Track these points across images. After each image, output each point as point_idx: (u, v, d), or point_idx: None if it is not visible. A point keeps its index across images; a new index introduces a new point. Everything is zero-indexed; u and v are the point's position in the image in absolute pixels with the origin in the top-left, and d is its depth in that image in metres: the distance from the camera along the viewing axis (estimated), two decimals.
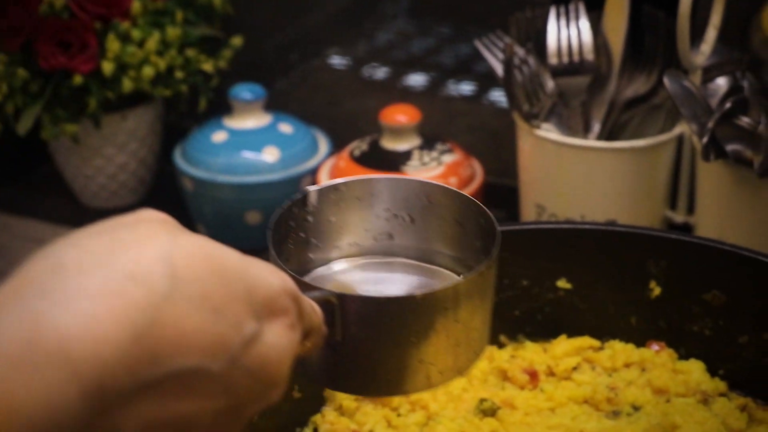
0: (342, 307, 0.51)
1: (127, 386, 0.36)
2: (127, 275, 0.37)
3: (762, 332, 0.76)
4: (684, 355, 0.79)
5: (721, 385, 0.77)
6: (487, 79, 1.23)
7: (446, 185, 0.59)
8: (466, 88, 1.39)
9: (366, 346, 0.52)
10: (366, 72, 1.43)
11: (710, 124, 0.84)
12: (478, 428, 0.74)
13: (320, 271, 0.59)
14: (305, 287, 0.50)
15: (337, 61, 1.47)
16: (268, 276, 0.43)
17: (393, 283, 0.59)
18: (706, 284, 0.77)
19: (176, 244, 0.39)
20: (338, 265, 0.59)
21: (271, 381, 0.42)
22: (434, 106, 1.33)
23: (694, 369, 0.77)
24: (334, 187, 0.58)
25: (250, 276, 0.42)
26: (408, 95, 1.30)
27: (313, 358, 0.53)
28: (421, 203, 0.59)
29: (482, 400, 0.76)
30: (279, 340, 0.42)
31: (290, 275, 0.50)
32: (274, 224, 0.55)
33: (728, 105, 0.83)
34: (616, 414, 0.75)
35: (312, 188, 0.58)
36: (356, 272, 0.59)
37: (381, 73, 1.43)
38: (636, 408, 0.75)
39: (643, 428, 0.72)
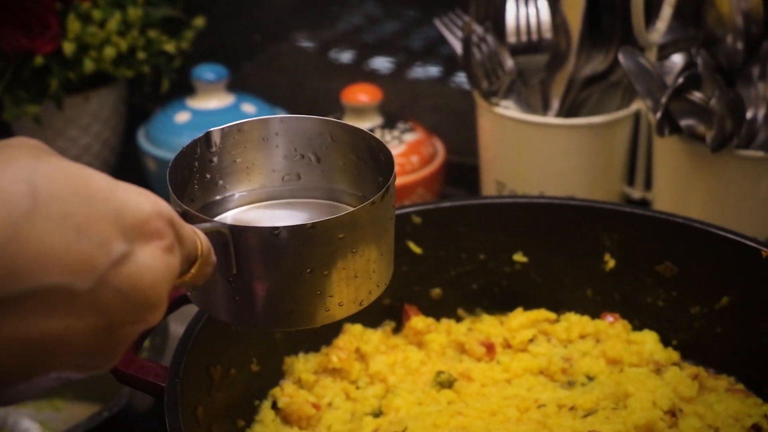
0: (234, 239, 0.51)
1: None
2: None
3: (713, 303, 0.77)
4: (638, 326, 0.80)
5: (673, 355, 0.79)
6: (453, 62, 1.24)
7: (344, 122, 0.60)
8: (433, 70, 1.40)
9: (261, 278, 0.52)
10: (333, 55, 1.43)
11: (663, 99, 0.85)
12: (436, 400, 0.75)
13: (226, 212, 0.60)
14: (195, 219, 0.51)
15: (304, 44, 1.47)
16: (137, 198, 0.43)
17: (293, 220, 0.59)
18: (659, 256, 0.78)
19: (39, 166, 0.40)
20: (244, 207, 0.60)
21: (145, 302, 0.42)
22: (400, 88, 1.34)
23: (648, 339, 0.79)
24: (237, 128, 0.58)
25: (117, 198, 0.42)
26: (374, 77, 1.31)
27: (214, 294, 0.54)
28: (325, 142, 0.59)
29: (439, 373, 0.77)
30: (153, 262, 0.42)
31: (178, 207, 0.51)
32: (173, 163, 0.55)
33: (681, 80, 0.84)
34: (570, 384, 0.77)
35: (214, 129, 0.58)
36: (258, 211, 0.59)
37: (348, 55, 1.43)
38: (590, 378, 0.77)
39: (597, 397, 0.73)
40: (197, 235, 0.48)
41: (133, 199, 0.43)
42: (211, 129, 0.58)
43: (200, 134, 0.57)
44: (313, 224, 0.51)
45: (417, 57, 1.41)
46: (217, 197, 0.59)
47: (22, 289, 0.38)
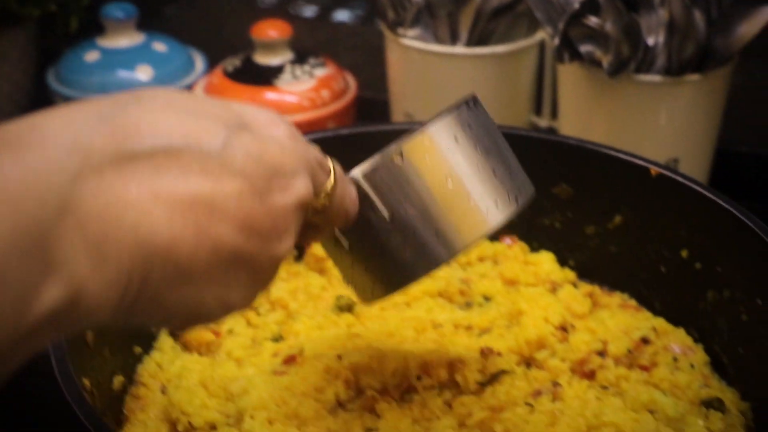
0: (372, 183, 0.52)
1: (108, 151, 0.39)
2: None
3: (607, 222, 0.78)
4: (536, 248, 0.82)
5: (570, 275, 0.80)
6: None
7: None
8: (357, 12, 1.40)
9: (415, 208, 0.53)
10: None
11: (561, 25, 0.86)
12: (335, 323, 0.75)
13: None
14: None
15: None
16: (235, 102, 0.47)
17: None
18: (555, 179, 0.79)
19: (138, 91, 0.44)
20: None
21: (281, 166, 0.44)
22: (324, 30, 1.33)
23: (544, 260, 0.80)
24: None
25: (215, 98, 0.46)
26: (298, 20, 1.30)
27: (388, 257, 0.54)
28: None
29: (339, 297, 0.77)
30: (275, 133, 0.45)
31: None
32: None
33: (577, 6, 0.85)
34: (468, 305, 0.78)
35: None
36: None
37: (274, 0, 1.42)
38: (487, 299, 0.78)
39: (492, 316, 0.74)
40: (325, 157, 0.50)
41: (231, 101, 0.46)
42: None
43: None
44: (422, 132, 0.53)
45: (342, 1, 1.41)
46: None
47: (147, 146, 0.40)
